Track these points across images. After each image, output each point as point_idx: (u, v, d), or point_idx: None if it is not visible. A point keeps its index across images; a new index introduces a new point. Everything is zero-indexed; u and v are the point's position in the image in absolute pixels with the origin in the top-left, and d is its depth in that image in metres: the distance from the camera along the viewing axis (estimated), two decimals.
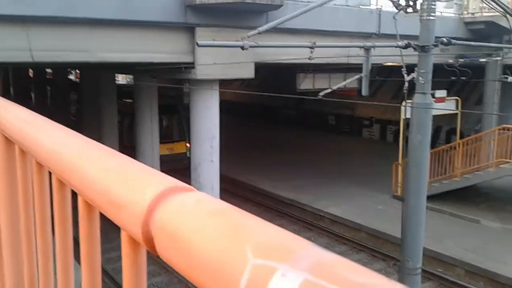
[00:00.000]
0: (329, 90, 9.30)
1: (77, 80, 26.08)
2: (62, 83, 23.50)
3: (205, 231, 0.48)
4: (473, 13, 16.44)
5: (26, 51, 9.12)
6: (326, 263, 0.38)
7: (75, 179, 0.84)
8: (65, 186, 0.98)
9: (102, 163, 0.76)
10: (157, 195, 0.58)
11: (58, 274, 1.06)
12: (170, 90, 19.27)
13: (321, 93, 8.82)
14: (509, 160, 13.55)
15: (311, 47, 7.97)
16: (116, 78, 21.04)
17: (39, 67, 22.27)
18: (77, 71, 25.53)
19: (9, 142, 1.34)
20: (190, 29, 11.11)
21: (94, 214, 0.85)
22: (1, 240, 1.45)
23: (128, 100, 18.26)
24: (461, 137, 15.92)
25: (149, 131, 15.83)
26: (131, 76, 22.65)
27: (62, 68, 21.74)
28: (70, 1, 9.34)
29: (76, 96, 22.25)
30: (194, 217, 0.51)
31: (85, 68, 17.78)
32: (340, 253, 12.65)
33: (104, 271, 10.92)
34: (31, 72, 26.54)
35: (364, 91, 9.04)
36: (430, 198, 12.61)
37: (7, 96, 20.58)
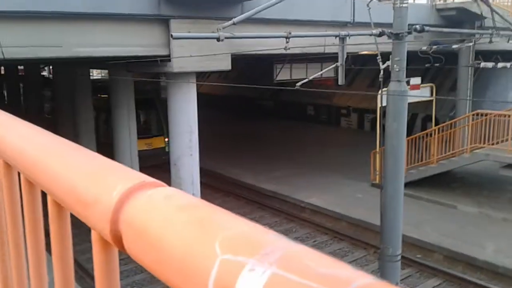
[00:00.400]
0: (305, 80, 9.33)
1: (51, 76, 25.57)
2: (35, 80, 23.00)
3: (173, 227, 0.47)
4: (445, 0, 16.67)
5: None
6: (295, 255, 0.38)
7: (42, 179, 0.81)
8: (34, 186, 0.95)
9: (68, 160, 0.73)
10: (124, 191, 0.56)
11: (31, 275, 1.04)
12: (147, 84, 19.07)
13: (298, 84, 8.84)
14: (483, 146, 13.84)
15: (286, 37, 7.96)
16: (90, 73, 20.69)
17: (10, 64, 21.73)
18: (51, 67, 25.01)
19: None
20: (164, 21, 10.98)
21: (64, 214, 0.83)
22: None
23: (103, 96, 18.00)
24: (437, 123, 16.19)
25: (126, 126, 15.64)
26: (106, 71, 22.30)
27: (34, 64, 21.25)
28: None
29: (50, 93, 21.82)
30: (162, 213, 0.50)
31: (59, 64, 17.42)
32: (321, 243, 12.78)
33: (85, 270, 10.80)
34: (2, 70, 25.91)
35: (341, 80, 9.10)
36: (408, 185, 12.82)
37: None
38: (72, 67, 16.48)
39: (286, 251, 0.38)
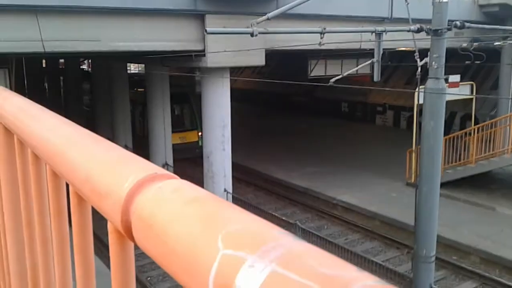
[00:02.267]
0: (340, 77, 9.21)
1: (90, 70, 26.24)
2: (75, 74, 23.63)
3: (179, 220, 0.47)
4: None
5: (38, 41, 9.17)
6: (297, 253, 0.36)
7: (65, 170, 0.83)
8: (58, 177, 0.97)
9: (87, 151, 0.74)
10: (135, 183, 0.56)
11: (55, 263, 1.06)
12: (182, 79, 19.29)
13: (332, 80, 8.74)
14: None
15: (321, 33, 7.87)
16: (128, 67, 21.11)
17: (51, 57, 22.42)
18: (90, 61, 25.66)
19: (8, 132, 1.34)
20: (200, 17, 11.07)
21: (85, 204, 0.84)
22: (5, 231, 1.46)
23: (140, 89, 18.33)
24: (476, 122, 15.69)
25: (161, 120, 15.89)
26: (143, 65, 22.70)
27: (74, 58, 21.84)
28: None
29: (88, 86, 22.39)
30: (169, 205, 0.50)
31: (97, 57, 17.85)
32: (353, 241, 12.63)
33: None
34: (43, 63, 26.74)
35: (376, 77, 8.93)
36: (444, 185, 12.50)
37: (21, 87, 20.81)
38: (110, 61, 16.85)
39: (289, 248, 0.37)
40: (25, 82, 22.20)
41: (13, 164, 1.31)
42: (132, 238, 0.56)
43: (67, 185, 0.91)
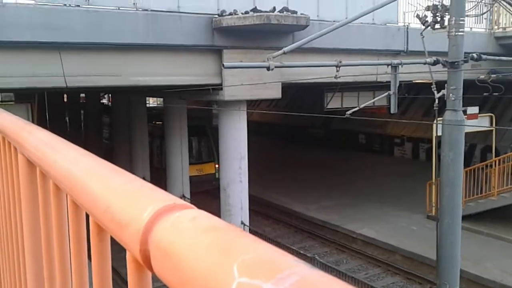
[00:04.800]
0: (356, 109, 9.22)
1: (109, 104, 26.77)
2: (95, 107, 24.14)
3: (196, 249, 0.48)
4: (504, 28, 16.11)
5: (60, 77, 9.45)
6: (311, 281, 0.37)
7: (85, 200, 0.84)
8: (79, 208, 0.99)
9: (107, 182, 0.76)
10: (154, 213, 0.58)
11: None
12: (199, 112, 19.54)
13: (349, 112, 8.75)
14: None
15: (337, 66, 7.95)
16: (147, 101, 21.49)
17: (72, 91, 22.98)
18: (110, 95, 26.22)
19: (31, 165, 1.37)
20: (217, 52, 11.30)
21: (105, 236, 0.85)
22: (25, 261, 1.48)
23: (158, 122, 18.59)
24: (497, 154, 15.44)
25: (179, 152, 16.03)
26: (161, 99, 23.10)
27: (95, 92, 22.36)
28: (100, 27, 9.66)
29: (108, 119, 22.80)
30: (187, 234, 0.51)
31: (117, 92, 18.25)
32: (374, 275, 12.35)
33: None
34: (65, 97, 27.41)
35: (393, 109, 8.92)
36: (466, 218, 12.22)
37: (43, 121, 21.29)
38: (130, 95, 17.20)
39: (303, 276, 0.38)
40: (47, 116, 22.72)
41: (35, 195, 1.34)
42: (150, 267, 0.57)
43: (87, 216, 0.93)
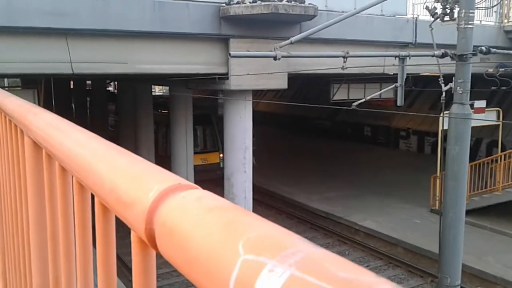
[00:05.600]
0: (362, 101, 9.19)
1: (115, 91, 26.78)
2: (101, 95, 24.16)
3: (201, 227, 0.48)
4: None
5: (67, 63, 9.45)
6: (315, 258, 0.37)
7: (91, 181, 0.85)
8: (84, 189, 0.99)
9: (113, 164, 0.76)
10: (160, 193, 0.58)
11: (78, 276, 1.08)
12: (205, 101, 19.53)
13: (355, 103, 8.72)
14: None
15: (344, 57, 7.91)
16: (152, 89, 21.47)
17: (79, 78, 23.00)
18: (116, 82, 26.24)
19: (37, 147, 1.38)
20: (224, 40, 11.25)
21: (109, 215, 0.86)
22: (29, 242, 1.49)
23: (164, 111, 18.60)
24: (503, 149, 15.36)
25: (184, 141, 16.05)
26: (167, 87, 23.09)
27: (101, 79, 22.38)
28: (107, 14, 9.64)
29: (114, 107, 22.83)
30: (192, 213, 0.51)
31: (123, 79, 18.25)
32: (375, 268, 12.38)
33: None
34: (71, 84, 27.45)
35: (400, 101, 8.89)
36: (470, 212, 12.20)
37: (49, 107, 21.35)
38: (136, 83, 17.20)
39: (307, 253, 0.38)
40: (53, 102, 22.77)
41: (40, 177, 1.35)
42: (155, 247, 0.57)
43: (92, 197, 0.94)
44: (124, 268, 11.12)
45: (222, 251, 0.43)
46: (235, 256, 0.41)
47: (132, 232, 0.69)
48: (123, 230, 1.05)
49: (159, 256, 0.63)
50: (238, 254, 0.41)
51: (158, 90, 36.16)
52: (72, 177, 1.05)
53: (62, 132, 1.12)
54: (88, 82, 26.10)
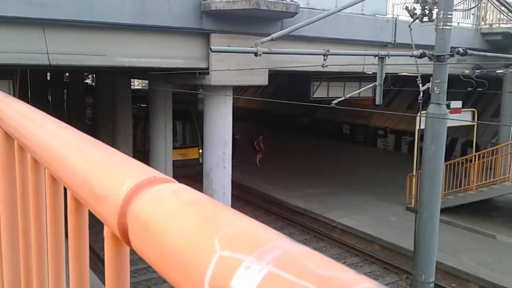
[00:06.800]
0: (342, 99, 9.25)
1: (94, 84, 26.37)
2: (79, 87, 23.76)
3: (176, 222, 0.46)
4: (490, 24, 16.25)
5: (43, 54, 9.25)
6: (294, 255, 0.36)
7: (63, 174, 0.82)
8: (56, 182, 0.96)
9: (86, 155, 0.74)
10: (133, 186, 0.56)
11: (50, 271, 1.05)
12: (184, 96, 19.39)
13: (334, 102, 8.77)
14: None
15: (324, 55, 7.94)
16: (131, 83, 21.21)
17: (56, 70, 22.58)
18: (94, 75, 25.84)
19: (9, 138, 1.33)
20: (205, 35, 11.18)
21: (82, 209, 0.83)
22: (0, 237, 1.45)
23: (142, 105, 18.40)
24: (477, 149, 15.68)
25: (163, 136, 15.90)
26: (146, 81, 22.85)
27: (78, 71, 22.00)
28: (86, 6, 9.46)
29: (92, 100, 22.49)
30: (167, 208, 0.49)
31: (102, 72, 17.98)
32: (351, 264, 12.51)
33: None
34: (48, 76, 26.92)
35: (378, 100, 8.97)
36: (445, 211, 12.42)
37: (25, 99, 20.88)
38: (114, 76, 16.96)
39: (286, 250, 0.36)
40: (29, 94, 22.26)
41: (12, 169, 1.31)
42: (128, 242, 0.55)
43: (65, 190, 0.91)
44: (100, 263, 10.98)
45: (197, 247, 0.41)
46: (211, 252, 0.39)
47: (105, 227, 0.66)
48: (99, 224, 1.03)
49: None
50: (214, 250, 0.39)
51: (137, 84, 35.75)
52: (45, 169, 1.02)
53: (34, 123, 1.09)
54: (66, 74, 25.64)
